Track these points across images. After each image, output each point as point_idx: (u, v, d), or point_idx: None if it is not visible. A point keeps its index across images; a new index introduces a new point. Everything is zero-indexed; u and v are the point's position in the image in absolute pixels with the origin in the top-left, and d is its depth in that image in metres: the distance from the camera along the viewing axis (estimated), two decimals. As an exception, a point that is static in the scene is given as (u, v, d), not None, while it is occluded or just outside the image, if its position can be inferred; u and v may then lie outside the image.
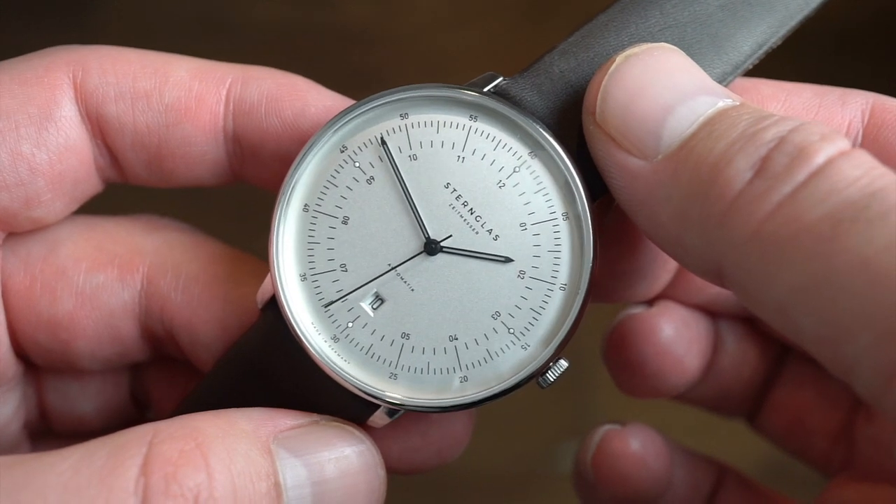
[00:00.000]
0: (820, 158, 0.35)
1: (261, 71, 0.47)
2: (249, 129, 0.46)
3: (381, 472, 0.42)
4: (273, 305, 0.43)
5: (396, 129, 0.43)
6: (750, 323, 0.52)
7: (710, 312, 0.52)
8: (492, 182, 0.43)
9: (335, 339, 0.43)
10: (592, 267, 0.42)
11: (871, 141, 0.44)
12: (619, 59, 0.41)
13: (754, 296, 0.36)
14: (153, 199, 0.54)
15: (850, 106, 0.45)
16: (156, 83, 0.45)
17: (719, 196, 0.36)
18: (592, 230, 0.42)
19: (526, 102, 0.43)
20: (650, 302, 0.51)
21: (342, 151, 0.43)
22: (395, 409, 0.43)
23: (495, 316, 0.42)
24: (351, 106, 0.43)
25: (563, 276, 0.42)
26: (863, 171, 0.35)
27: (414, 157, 0.43)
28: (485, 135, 0.43)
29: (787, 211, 0.35)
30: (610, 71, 0.41)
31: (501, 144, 0.43)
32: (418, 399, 0.42)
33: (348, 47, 1.03)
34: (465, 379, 0.42)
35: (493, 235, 0.42)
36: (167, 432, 0.37)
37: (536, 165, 0.43)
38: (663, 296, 0.50)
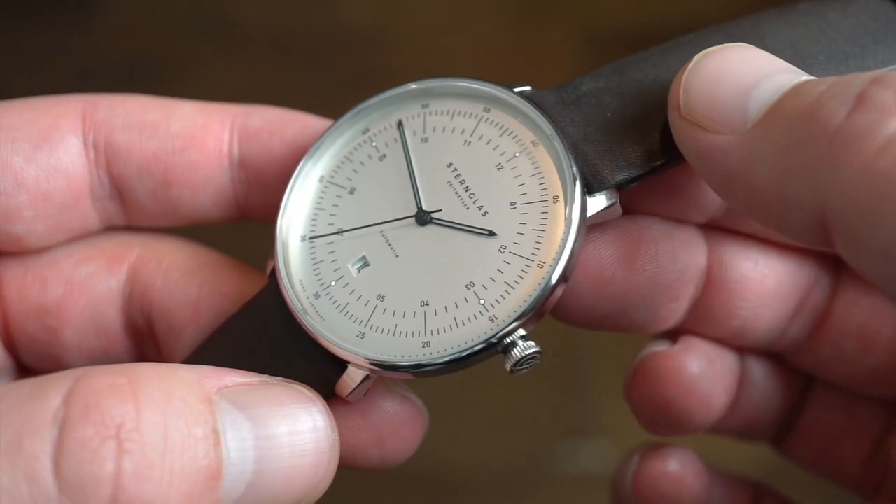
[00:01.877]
0: None
1: (262, 106, 0.49)
2: (254, 153, 0.47)
3: (333, 436, 0.40)
4: (275, 272, 0.45)
5: (415, 116, 0.46)
6: (775, 358, 0.52)
7: (734, 347, 0.51)
8: (491, 163, 0.44)
9: (317, 295, 0.44)
10: (573, 248, 0.42)
11: None
12: (696, 57, 0.41)
13: (860, 238, 0.35)
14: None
15: None
16: (163, 115, 0.47)
17: (819, 134, 0.36)
18: (580, 215, 0.42)
19: (547, 108, 0.44)
20: (673, 338, 0.50)
21: (364, 133, 0.46)
22: (363, 376, 0.43)
23: (469, 286, 0.43)
24: (378, 94, 0.46)
25: (543, 254, 0.42)
26: None
27: (425, 140, 0.45)
28: (494, 124, 0.45)
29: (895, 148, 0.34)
30: (689, 67, 0.41)
31: (508, 132, 0.45)
32: (377, 357, 0.42)
33: (348, 48, 1.03)
34: (427, 344, 0.42)
35: (482, 212, 0.43)
36: (100, 369, 0.36)
37: (537, 153, 0.44)
38: (684, 330, 0.49)
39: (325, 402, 0.40)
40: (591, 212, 0.43)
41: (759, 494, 0.53)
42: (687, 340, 0.49)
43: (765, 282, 0.47)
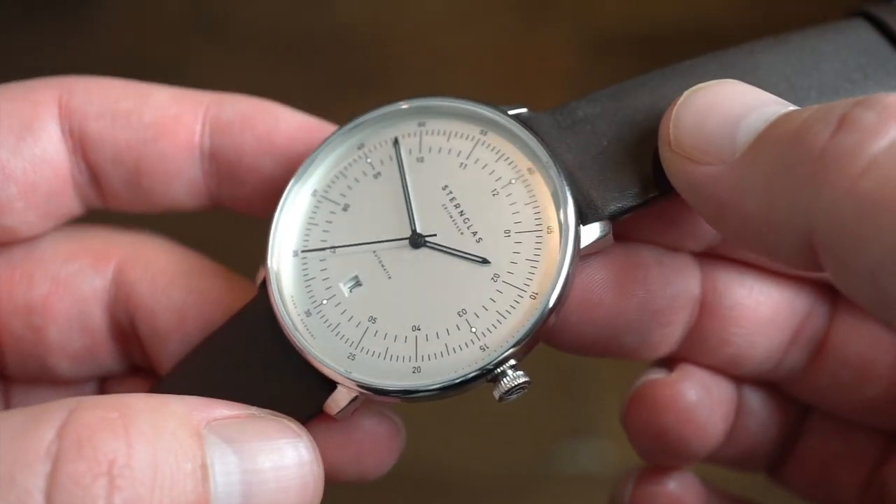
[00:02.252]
0: None
1: (236, 96, 0.49)
2: (225, 146, 0.48)
3: (318, 470, 0.41)
4: (265, 284, 0.45)
5: (412, 134, 0.46)
6: (770, 388, 0.51)
7: (730, 376, 0.50)
8: (486, 189, 0.44)
9: (308, 313, 0.44)
10: (566, 280, 0.42)
11: None
12: (686, 93, 0.42)
13: (846, 260, 0.35)
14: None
15: None
16: (136, 104, 0.47)
17: (804, 157, 0.36)
18: (574, 247, 0.42)
19: (542, 132, 0.44)
20: (670, 366, 0.49)
21: (359, 148, 0.46)
22: (352, 397, 0.43)
23: (461, 313, 0.43)
24: (375, 108, 0.46)
25: (536, 284, 0.42)
26: None
27: (420, 160, 0.45)
28: (490, 147, 0.45)
29: (885, 168, 0.34)
30: (678, 102, 0.42)
31: (504, 157, 0.45)
32: (367, 381, 0.42)
33: (347, 47, 1.03)
34: (417, 370, 0.42)
35: (476, 238, 0.43)
36: (92, 401, 0.36)
37: (533, 181, 0.44)
38: (679, 358, 0.49)
39: (310, 437, 0.41)
40: (584, 242, 0.43)
41: None
42: (684, 368, 0.49)
43: (760, 309, 0.47)
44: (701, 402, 0.48)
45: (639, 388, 0.49)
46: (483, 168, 0.44)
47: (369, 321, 0.43)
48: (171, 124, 0.47)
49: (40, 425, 0.35)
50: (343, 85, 0.99)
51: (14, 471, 0.33)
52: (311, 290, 0.44)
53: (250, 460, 0.38)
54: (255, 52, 1.02)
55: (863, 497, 0.51)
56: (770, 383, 0.51)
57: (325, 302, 0.44)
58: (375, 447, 0.47)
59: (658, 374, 0.49)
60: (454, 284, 0.43)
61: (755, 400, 0.51)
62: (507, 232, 0.43)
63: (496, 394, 0.42)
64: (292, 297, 0.44)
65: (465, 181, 0.44)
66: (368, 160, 0.46)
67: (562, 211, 0.43)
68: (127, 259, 0.49)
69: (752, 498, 0.54)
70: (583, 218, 0.43)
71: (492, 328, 0.42)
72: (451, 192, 0.44)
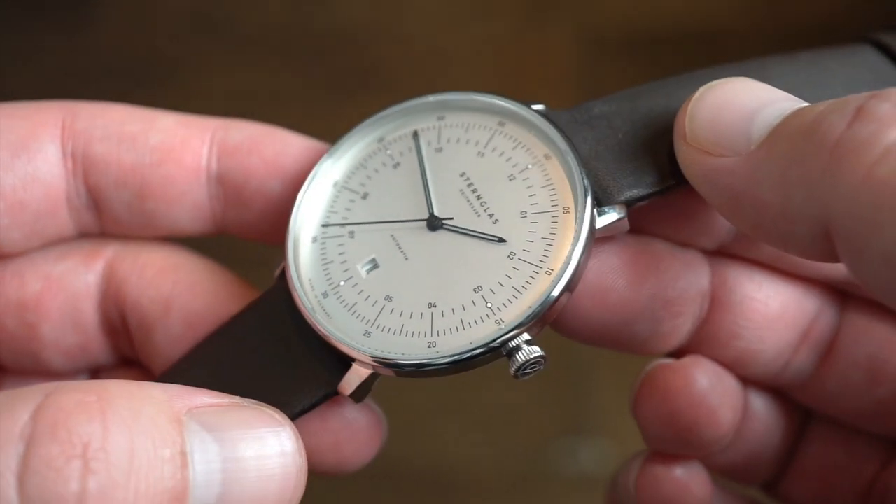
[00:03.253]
0: None
1: (242, 121, 0.49)
2: (232, 169, 0.48)
3: (300, 461, 0.40)
4: (284, 274, 0.46)
5: (431, 128, 0.47)
6: (774, 393, 0.51)
7: (738, 376, 0.50)
8: (503, 174, 0.45)
9: (325, 294, 0.45)
10: (580, 257, 0.42)
11: None
12: (701, 89, 0.43)
13: (861, 246, 0.36)
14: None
15: None
16: (142, 127, 0.47)
17: (820, 147, 0.37)
18: (589, 227, 0.43)
19: (559, 124, 0.45)
20: (676, 356, 0.49)
21: (380, 141, 0.48)
22: (367, 374, 0.43)
23: (477, 290, 0.43)
24: (395, 105, 0.47)
25: (551, 261, 0.43)
26: None
27: (439, 150, 0.46)
28: (508, 137, 0.46)
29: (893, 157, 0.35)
30: (694, 98, 0.43)
31: (521, 145, 0.46)
32: (381, 354, 0.43)
33: (347, 47, 1.03)
34: (432, 344, 0.43)
35: (493, 219, 0.44)
36: (70, 385, 0.36)
37: (550, 166, 0.45)
38: (689, 352, 0.49)
39: (294, 427, 0.40)
40: (599, 224, 0.43)
41: None
42: (694, 356, 0.49)
43: (770, 304, 0.47)
44: (713, 387, 0.48)
45: (650, 372, 0.49)
46: (500, 155, 0.45)
47: (385, 300, 0.44)
48: (177, 147, 0.47)
49: (16, 407, 0.34)
50: (343, 85, 0.99)
51: None
52: (328, 273, 0.45)
53: (231, 449, 0.38)
54: (255, 51, 1.02)
55: None
56: (777, 388, 0.50)
57: (342, 283, 0.45)
58: (355, 436, 0.47)
59: (668, 360, 0.49)
60: (470, 263, 0.44)
61: (760, 404, 0.51)
62: (524, 213, 0.44)
63: (511, 369, 0.42)
64: (310, 280, 0.45)
65: (482, 167, 0.45)
66: (388, 152, 0.47)
67: (578, 193, 0.43)
68: (117, 255, 0.49)
69: (753, 496, 0.54)
70: (598, 203, 0.44)
71: (507, 303, 0.43)
72: (468, 178, 0.45)
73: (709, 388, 0.48)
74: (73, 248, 0.49)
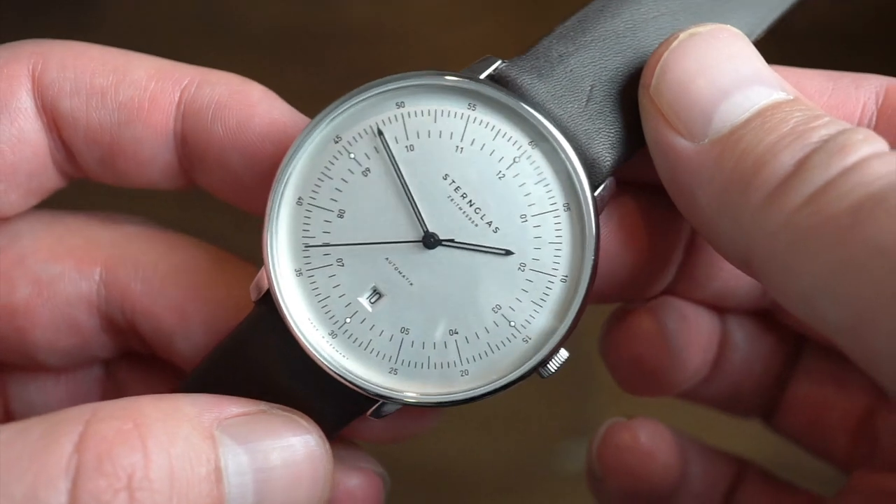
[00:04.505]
0: (854, 157, 0.36)
1: (218, 75, 0.47)
2: (195, 134, 0.46)
3: (328, 465, 0.41)
4: (268, 299, 0.43)
5: (392, 119, 0.42)
6: (761, 317, 0.52)
7: (717, 308, 0.51)
8: (491, 173, 0.42)
9: (333, 334, 0.43)
10: (594, 258, 0.42)
11: (885, 123, 0.44)
12: (682, 35, 0.41)
13: (781, 286, 0.37)
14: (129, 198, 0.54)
15: (864, 89, 0.45)
16: (112, 80, 0.45)
17: (758, 188, 0.37)
18: (595, 221, 0.42)
19: (526, 86, 0.42)
20: (648, 299, 0.50)
21: (336, 142, 0.43)
22: (398, 407, 0.43)
23: (496, 309, 0.42)
24: (345, 95, 0.43)
25: (564, 267, 0.42)
26: (892, 167, 0.35)
27: (411, 148, 0.42)
28: (484, 124, 0.42)
29: (816, 203, 0.35)
30: (671, 47, 0.41)
31: (501, 134, 0.42)
32: (417, 394, 0.42)
33: (348, 46, 1.02)
34: (465, 373, 0.42)
35: (492, 228, 0.42)
36: (106, 411, 0.37)
37: (537, 155, 0.42)
38: (665, 292, 0.50)
39: (320, 431, 0.41)
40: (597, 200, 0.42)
41: (742, 469, 0.53)
42: (660, 299, 0.49)
43: None
44: (676, 329, 0.49)
45: (613, 318, 0.50)
46: (482, 149, 0.42)
47: (402, 332, 0.42)
48: (145, 105, 0.45)
49: (58, 439, 0.35)
50: (344, 84, 0.99)
51: (36, 488, 0.34)
52: (328, 310, 0.43)
53: (262, 459, 0.39)
54: (255, 51, 1.02)
55: (853, 445, 0.51)
56: (758, 312, 0.51)
57: (347, 320, 0.42)
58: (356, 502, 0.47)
59: (635, 304, 0.50)
60: (481, 280, 0.42)
61: (742, 333, 0.51)
62: (524, 217, 0.42)
63: (542, 373, 0.42)
64: (310, 320, 0.43)
65: (465, 167, 0.42)
66: (351, 156, 0.42)
67: (576, 185, 0.42)
68: (113, 259, 0.47)
69: (738, 452, 0.53)
70: (593, 184, 0.42)
71: (530, 319, 0.42)
72: (453, 182, 0.42)
73: (672, 330, 0.49)
74: (64, 247, 0.47)
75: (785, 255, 0.36)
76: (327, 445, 0.41)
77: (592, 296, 0.44)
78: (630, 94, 0.43)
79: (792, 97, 0.40)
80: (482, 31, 1.05)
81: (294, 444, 0.40)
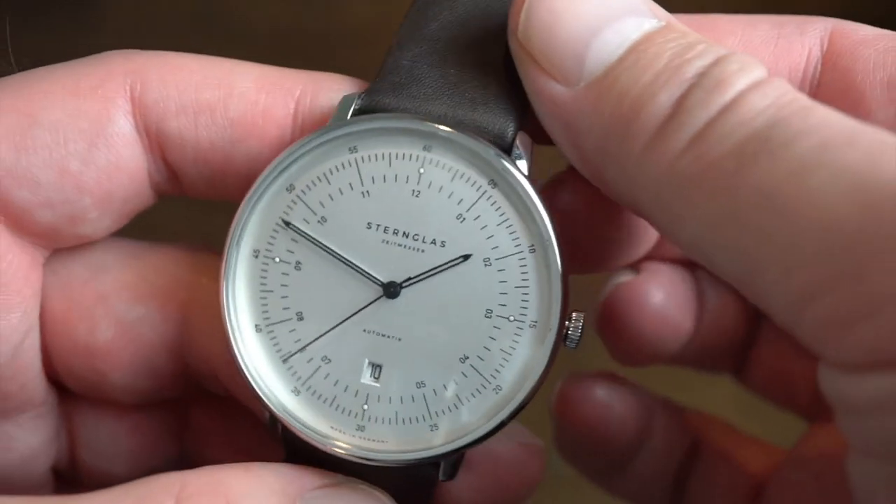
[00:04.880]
0: (731, 92, 0.34)
1: (333, 80, 0.45)
2: None
3: None
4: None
5: (346, 165, 0.41)
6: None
7: (689, 265, 0.51)
8: (405, 195, 0.41)
9: (360, 428, 0.41)
10: (563, 302, 0.40)
11: (830, 68, 0.43)
12: None
13: (670, 233, 0.36)
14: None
15: (810, 35, 0.43)
16: (220, 95, 0.43)
17: (638, 134, 0.35)
18: (561, 263, 0.40)
19: (392, 105, 0.41)
20: (635, 266, 0.50)
21: (289, 191, 0.42)
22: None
23: (463, 360, 0.41)
24: (295, 144, 0.41)
25: (533, 312, 0.40)
26: (770, 100, 0.34)
27: (323, 221, 0.41)
28: (365, 160, 0.41)
29: (698, 147, 0.34)
30: None
31: (391, 155, 0.41)
32: (380, 452, 0.41)
33: (349, 47, 1.02)
34: (434, 427, 0.41)
35: (438, 244, 0.41)
36: (195, 486, 0.36)
37: (497, 196, 0.41)
38: (651, 256, 0.50)
39: None
40: (525, 171, 0.41)
41: (705, 424, 0.53)
42: (649, 268, 0.49)
43: None
44: (669, 297, 0.49)
45: (608, 292, 0.49)
46: (384, 182, 0.41)
47: (419, 387, 0.41)
48: (259, 121, 0.43)
49: None
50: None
51: None
52: (341, 408, 0.42)
53: None
54: (256, 51, 1.02)
55: (816, 398, 0.50)
56: None
57: (365, 407, 0.41)
58: (525, 481, 0.46)
59: (625, 277, 0.49)
60: (450, 325, 0.40)
61: (712, 290, 0.51)
62: (487, 261, 0.41)
63: (569, 343, 0.42)
64: (333, 427, 0.42)
65: (377, 205, 0.41)
66: (276, 260, 0.41)
67: (538, 226, 0.40)
68: (196, 301, 0.45)
69: (699, 409, 0.54)
70: (504, 150, 0.40)
71: (500, 367, 0.41)
72: (376, 224, 0.41)
73: (666, 300, 0.49)
74: (148, 285, 0.45)
75: (671, 203, 0.35)
76: None
77: (573, 268, 0.43)
78: (495, 54, 0.41)
79: (664, 23, 0.38)
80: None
81: None
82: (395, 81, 0.41)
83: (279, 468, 0.39)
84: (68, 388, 0.47)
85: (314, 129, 0.42)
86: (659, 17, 0.38)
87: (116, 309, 0.45)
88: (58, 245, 0.44)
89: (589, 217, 0.45)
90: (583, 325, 0.41)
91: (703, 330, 0.51)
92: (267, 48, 1.02)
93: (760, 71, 0.35)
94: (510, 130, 0.41)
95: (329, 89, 0.44)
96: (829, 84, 0.41)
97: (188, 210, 0.63)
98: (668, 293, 0.49)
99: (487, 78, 0.41)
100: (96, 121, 0.42)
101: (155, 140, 0.43)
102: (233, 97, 0.43)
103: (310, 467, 0.40)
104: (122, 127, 0.42)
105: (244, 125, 0.43)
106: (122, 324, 0.45)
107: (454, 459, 0.42)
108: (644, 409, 0.51)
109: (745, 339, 0.53)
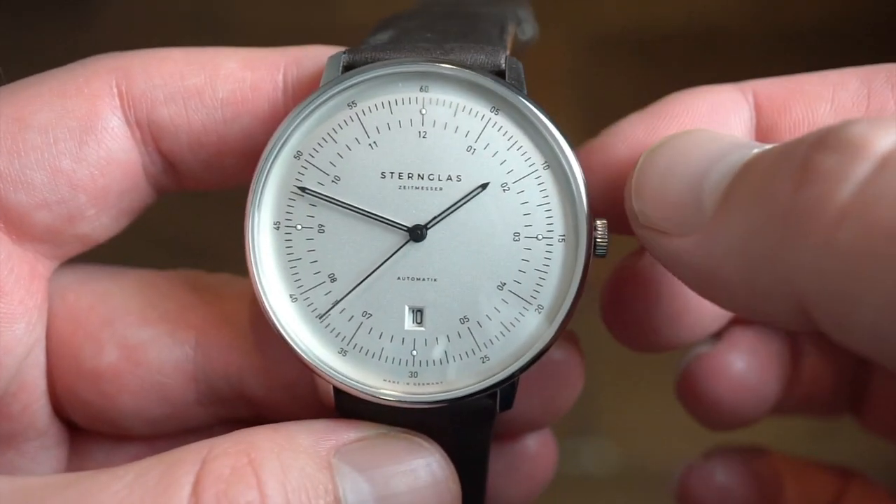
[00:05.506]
0: (879, 148, 0.31)
1: (314, 49, 0.45)
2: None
3: (453, 487, 0.40)
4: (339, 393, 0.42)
5: (348, 121, 0.42)
6: None
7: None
8: (412, 134, 0.41)
9: (413, 374, 0.42)
10: (588, 212, 0.41)
11: None
12: (643, 155, 0.40)
13: (845, 322, 0.31)
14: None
15: None
16: (206, 78, 0.43)
17: (774, 214, 0.33)
18: (580, 173, 0.41)
19: (382, 56, 0.42)
20: (718, 333, 0.49)
21: (297, 158, 0.42)
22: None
23: (501, 286, 0.41)
24: (294, 111, 0.42)
25: (559, 227, 0.41)
26: None
27: (336, 180, 0.42)
28: (442, 103, 0.42)
29: (860, 216, 0.30)
30: (637, 168, 0.40)
31: (461, 108, 0.41)
32: (436, 393, 0.41)
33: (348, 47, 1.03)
34: (486, 359, 0.41)
35: (454, 179, 0.41)
36: (221, 448, 0.36)
37: (502, 121, 0.41)
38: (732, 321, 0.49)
39: (443, 452, 0.40)
40: (523, 93, 0.41)
41: (845, 481, 0.51)
42: (729, 336, 0.48)
43: None
44: (751, 365, 0.47)
45: (687, 364, 0.49)
46: (389, 130, 0.41)
47: (463, 322, 0.41)
48: (249, 96, 0.43)
49: (177, 480, 0.35)
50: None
51: None
52: (393, 359, 0.42)
53: (384, 486, 0.38)
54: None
55: None
56: None
57: (414, 353, 0.41)
58: (568, 386, 0.46)
59: (704, 348, 0.48)
60: (481, 256, 0.41)
61: (810, 343, 0.49)
62: (505, 185, 0.41)
63: (598, 252, 0.42)
64: (385, 379, 0.41)
65: (387, 153, 0.41)
66: (298, 227, 0.42)
67: (550, 143, 0.41)
68: (208, 321, 0.45)
69: (838, 463, 0.52)
70: (503, 78, 0.41)
71: (538, 287, 0.41)
72: (389, 173, 0.41)
73: (747, 368, 0.47)
74: (156, 311, 0.45)
75: (841, 282, 0.31)
76: (452, 467, 0.40)
77: (651, 346, 0.44)
78: (480, 12, 0.44)
79: (753, 151, 0.36)
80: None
81: (417, 469, 0.39)
82: (381, 38, 0.43)
83: (312, 424, 0.39)
84: (78, 423, 0.46)
85: (307, 96, 0.42)
86: (745, 147, 0.37)
87: (122, 332, 0.45)
88: (61, 250, 0.44)
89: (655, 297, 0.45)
90: (608, 234, 0.41)
91: (805, 379, 0.50)
92: (265, 48, 1.03)
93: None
94: (501, 56, 0.42)
95: (313, 57, 0.44)
96: None
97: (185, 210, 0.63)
98: (749, 361, 0.48)
99: (471, 21, 0.43)
100: (84, 118, 0.42)
101: (147, 131, 0.43)
102: (219, 78, 0.43)
103: (347, 420, 0.40)
104: (111, 122, 0.43)
105: (234, 103, 0.43)
106: (128, 346, 0.45)
107: (509, 387, 0.42)
108: (771, 479, 0.50)
109: (857, 377, 0.50)
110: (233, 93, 0.43)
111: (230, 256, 0.48)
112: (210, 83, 0.43)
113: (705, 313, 0.47)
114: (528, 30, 0.48)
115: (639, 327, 0.47)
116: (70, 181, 0.42)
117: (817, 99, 0.43)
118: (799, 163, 0.33)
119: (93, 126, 0.42)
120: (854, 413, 0.52)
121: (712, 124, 0.42)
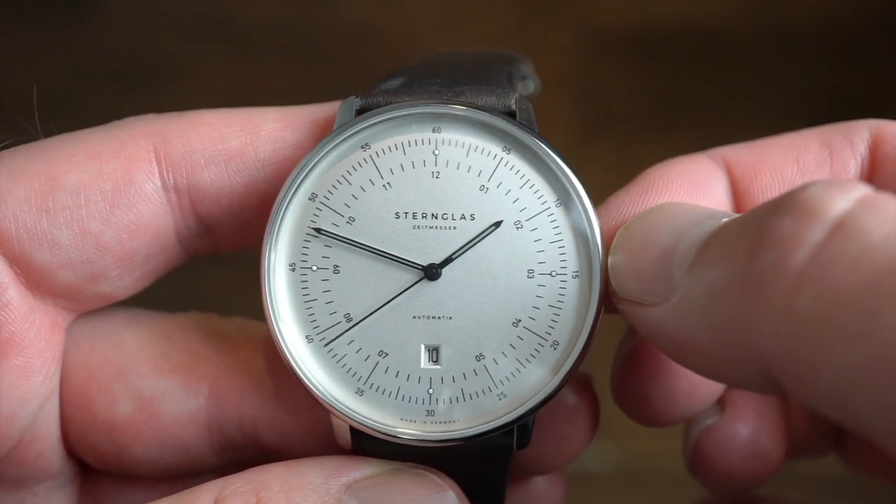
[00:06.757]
0: (834, 212, 0.31)
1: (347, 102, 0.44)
2: None
3: None
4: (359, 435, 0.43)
5: (361, 163, 0.42)
6: None
7: None
8: (425, 176, 0.42)
9: (430, 412, 0.42)
10: (602, 247, 0.41)
11: (883, 172, 0.42)
12: (618, 234, 0.41)
13: (807, 387, 0.31)
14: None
15: (858, 145, 0.43)
16: (246, 139, 0.43)
17: (731, 283, 0.33)
18: (593, 212, 0.42)
19: (395, 99, 0.43)
20: (720, 401, 0.49)
21: (312, 200, 0.42)
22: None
23: (515, 324, 0.42)
24: (308, 154, 0.42)
25: (573, 263, 0.42)
26: (893, 221, 0.30)
27: (351, 220, 0.42)
28: (454, 143, 0.42)
29: (816, 281, 0.30)
30: (613, 245, 0.41)
31: (473, 148, 0.42)
32: (452, 431, 0.41)
33: (349, 47, 1.02)
34: (502, 395, 0.42)
35: (467, 218, 0.42)
36: (232, 487, 0.36)
37: (514, 160, 0.42)
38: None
39: (457, 488, 0.40)
40: (534, 132, 0.42)
41: None
42: (733, 404, 0.48)
43: None
44: (758, 431, 0.48)
45: (695, 438, 0.49)
46: (402, 171, 0.42)
47: (478, 360, 0.42)
48: (291, 155, 0.43)
49: None
50: (344, 84, 0.99)
51: None
52: (409, 398, 0.42)
53: None
54: (255, 51, 1.02)
55: None
56: None
57: (431, 391, 0.42)
58: (576, 437, 0.46)
59: (710, 419, 0.48)
60: (495, 294, 0.41)
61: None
62: (518, 223, 0.42)
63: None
64: (402, 418, 0.42)
65: (401, 193, 0.42)
66: (314, 269, 0.42)
67: (561, 181, 0.42)
68: (221, 372, 0.45)
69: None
70: (514, 118, 0.42)
71: (553, 323, 0.42)
72: (404, 213, 0.42)
73: (755, 434, 0.48)
74: (169, 362, 0.45)
75: (800, 349, 0.30)
76: (465, 502, 0.40)
77: (669, 421, 0.45)
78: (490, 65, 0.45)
79: (722, 221, 0.37)
80: (482, 31, 1.05)
81: None
82: (392, 84, 0.44)
83: (324, 461, 0.39)
84: (89, 464, 0.46)
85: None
86: (714, 217, 0.37)
87: (136, 384, 0.45)
88: (80, 305, 0.44)
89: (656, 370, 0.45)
90: None
91: (793, 426, 0.50)
92: (266, 48, 1.02)
93: (860, 187, 0.32)
94: (511, 97, 0.42)
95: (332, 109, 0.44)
96: (886, 187, 0.38)
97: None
98: (755, 427, 0.48)
99: (478, 68, 0.44)
100: (118, 181, 0.42)
101: (186, 195, 0.43)
102: (259, 139, 0.43)
103: (360, 457, 0.40)
104: (145, 186, 0.43)
105: (277, 162, 0.43)
106: (142, 399, 0.44)
107: (526, 424, 0.42)
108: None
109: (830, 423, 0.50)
110: (274, 152, 0.43)
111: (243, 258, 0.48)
112: (251, 144, 0.43)
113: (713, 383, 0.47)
114: (531, 85, 0.49)
115: (653, 407, 0.47)
116: (97, 243, 0.42)
117: (783, 162, 0.43)
118: (757, 228, 0.32)
119: (126, 190, 0.42)
120: (837, 452, 0.53)
121: (698, 195, 0.43)
